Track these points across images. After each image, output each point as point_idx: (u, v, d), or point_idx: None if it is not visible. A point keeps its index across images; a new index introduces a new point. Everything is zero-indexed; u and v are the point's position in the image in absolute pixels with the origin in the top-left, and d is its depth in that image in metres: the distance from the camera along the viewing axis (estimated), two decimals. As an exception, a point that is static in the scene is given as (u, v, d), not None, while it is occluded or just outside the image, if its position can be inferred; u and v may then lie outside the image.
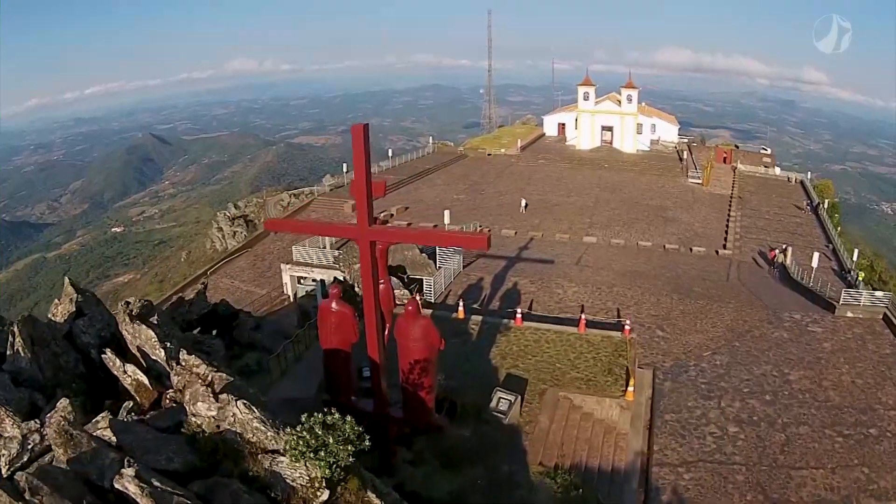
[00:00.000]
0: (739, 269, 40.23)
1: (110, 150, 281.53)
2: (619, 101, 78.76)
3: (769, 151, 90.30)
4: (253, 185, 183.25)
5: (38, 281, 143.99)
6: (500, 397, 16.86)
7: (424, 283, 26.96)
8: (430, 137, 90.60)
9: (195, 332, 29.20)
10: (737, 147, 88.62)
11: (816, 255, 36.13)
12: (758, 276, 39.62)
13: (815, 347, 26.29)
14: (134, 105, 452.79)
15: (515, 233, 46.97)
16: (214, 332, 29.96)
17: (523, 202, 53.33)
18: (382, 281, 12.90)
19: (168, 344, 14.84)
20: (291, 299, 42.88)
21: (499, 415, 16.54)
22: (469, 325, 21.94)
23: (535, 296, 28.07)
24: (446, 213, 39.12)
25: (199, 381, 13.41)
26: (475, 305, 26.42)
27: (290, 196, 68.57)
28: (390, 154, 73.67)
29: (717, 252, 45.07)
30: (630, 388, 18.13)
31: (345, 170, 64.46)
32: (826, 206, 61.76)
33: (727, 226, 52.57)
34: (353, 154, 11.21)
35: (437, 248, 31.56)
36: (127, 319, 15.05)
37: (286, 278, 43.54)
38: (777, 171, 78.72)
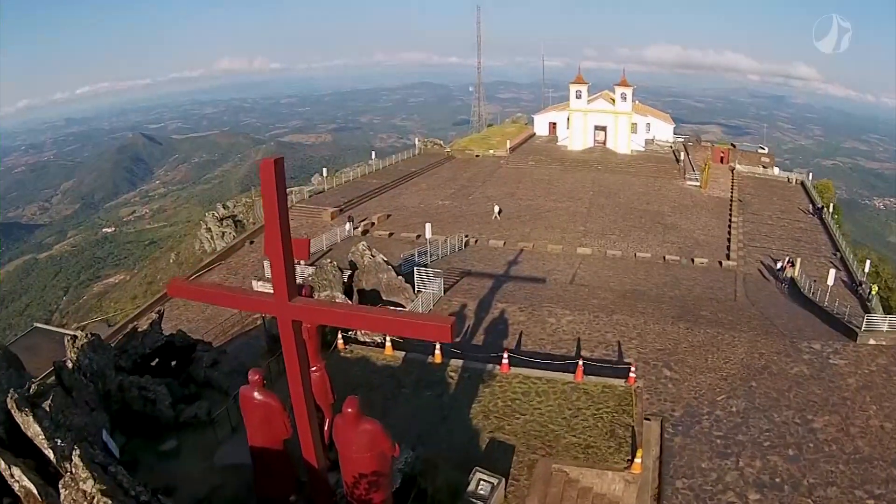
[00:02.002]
0: (746, 284, 37.28)
1: (101, 150, 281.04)
2: (613, 100, 75.60)
3: (766, 150, 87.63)
4: (243, 183, 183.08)
5: (29, 283, 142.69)
6: (481, 479, 13.74)
7: (399, 315, 23.81)
8: (417, 139, 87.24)
9: (153, 363, 26.49)
10: (733, 146, 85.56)
11: (833, 272, 33.17)
12: (766, 293, 36.74)
13: (838, 385, 23.33)
14: (124, 105, 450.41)
15: (504, 243, 43.90)
16: (174, 363, 27.20)
17: (496, 208, 50.20)
18: (315, 368, 9.86)
19: (59, 440, 11.74)
20: (266, 317, 39.76)
21: (478, 502, 13.43)
22: (447, 371, 18.81)
23: (525, 326, 24.90)
24: (428, 225, 35.90)
25: (85, 501, 10.35)
26: (456, 340, 23.28)
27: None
28: (374, 157, 70.27)
29: (720, 263, 42.14)
30: (637, 460, 15.06)
31: (324, 174, 61.14)
32: (831, 210, 58.89)
33: (729, 233, 49.67)
34: (263, 200, 8.10)
35: (416, 270, 28.41)
36: (14, 407, 11.87)
37: (257, 295, 40.29)
38: (776, 171, 75.87)
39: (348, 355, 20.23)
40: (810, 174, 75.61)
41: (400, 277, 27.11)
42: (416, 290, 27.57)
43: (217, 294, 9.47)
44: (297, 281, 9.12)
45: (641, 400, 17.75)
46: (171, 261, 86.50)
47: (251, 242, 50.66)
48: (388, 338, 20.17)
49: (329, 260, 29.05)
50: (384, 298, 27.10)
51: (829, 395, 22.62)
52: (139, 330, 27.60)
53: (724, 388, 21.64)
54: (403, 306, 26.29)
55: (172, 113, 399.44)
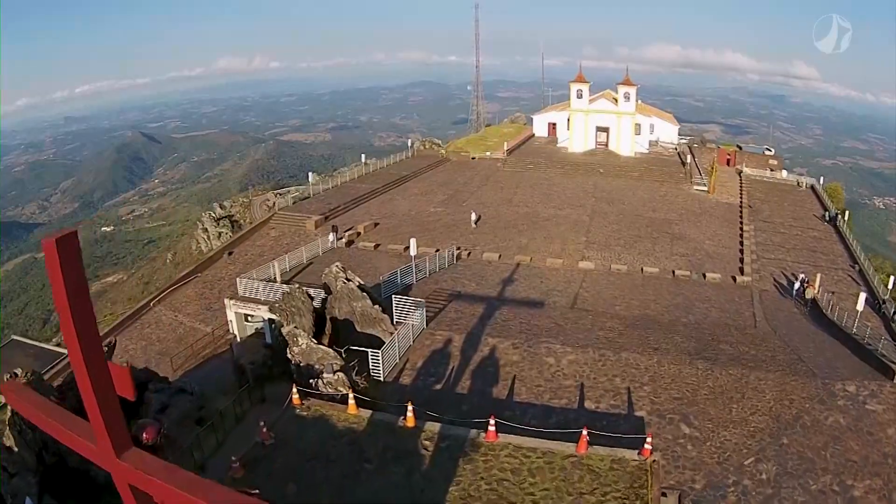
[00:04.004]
0: (764, 305, 33.86)
1: (100, 148, 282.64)
2: (616, 100, 72.10)
3: (773, 152, 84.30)
4: (242, 182, 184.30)
5: (28, 282, 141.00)
6: None
7: (370, 357, 20.30)
8: (410, 140, 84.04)
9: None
10: (739, 148, 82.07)
11: (863, 297, 29.79)
12: (786, 315, 33.35)
13: (878, 437, 20.02)
14: (123, 104, 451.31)
15: (500, 256, 40.52)
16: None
17: (473, 216, 46.76)
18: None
19: None
20: (237, 339, 36.63)
21: None
22: (421, 439, 15.43)
23: (519, 369, 21.46)
24: (413, 241, 32.46)
25: None
26: (436, 386, 19.96)
27: (276, 195, 64.64)
28: (363, 159, 66.90)
29: (734, 279, 38.73)
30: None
31: (310, 180, 57.74)
32: (846, 217, 55.45)
33: (741, 243, 46.27)
34: (53, 295, 4.82)
35: (394, 298, 25.01)
36: None
37: (231, 315, 37.04)
38: (784, 173, 72.34)
39: (304, 413, 16.91)
40: (821, 178, 72.15)
41: (376, 307, 23.69)
42: (395, 320, 24.22)
43: (45, 421, 6.20)
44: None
45: (659, 479, 14.40)
46: (168, 261, 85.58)
47: (230, 254, 47.42)
48: (351, 392, 16.82)
49: (297, 284, 25.75)
50: (358, 330, 23.74)
51: (868, 452, 19.35)
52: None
53: (753, 447, 18.30)
54: (381, 340, 22.98)
55: (172, 112, 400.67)
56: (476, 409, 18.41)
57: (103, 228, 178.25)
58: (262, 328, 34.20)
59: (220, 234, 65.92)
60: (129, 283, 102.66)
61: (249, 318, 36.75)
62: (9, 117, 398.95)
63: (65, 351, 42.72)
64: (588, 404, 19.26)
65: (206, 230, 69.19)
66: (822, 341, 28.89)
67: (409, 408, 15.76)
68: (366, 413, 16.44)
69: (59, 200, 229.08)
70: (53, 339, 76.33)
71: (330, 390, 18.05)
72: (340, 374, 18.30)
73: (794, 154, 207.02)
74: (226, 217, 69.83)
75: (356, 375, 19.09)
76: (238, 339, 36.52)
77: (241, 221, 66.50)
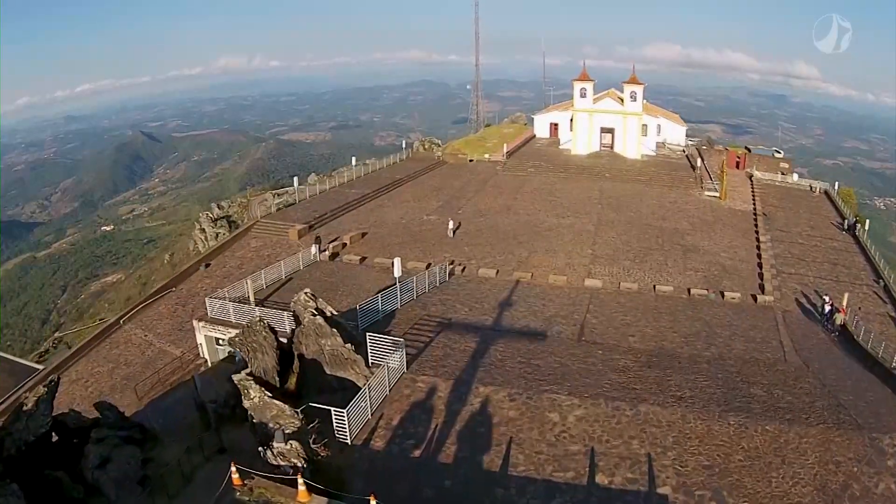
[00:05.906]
0: (790, 330, 30.27)
1: (101, 147, 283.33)
2: (621, 99, 68.55)
3: (782, 154, 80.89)
4: (242, 182, 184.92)
5: (27, 281, 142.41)
6: None
7: (334, 416, 16.70)
8: (404, 141, 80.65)
9: (53, 439, 21.64)
10: (748, 150, 78.47)
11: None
12: (815, 342, 29.82)
13: (938, 506, 16.65)
14: (124, 103, 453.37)
15: (497, 272, 37.08)
16: (76, 440, 21.42)
17: (451, 224, 43.55)
18: None
19: None
20: (208, 363, 33.42)
21: None
22: (387, 542, 12.06)
23: (517, 428, 17.76)
24: (397, 261, 28.89)
25: None
26: (414, 453, 16.40)
27: (275, 195, 62.23)
28: (353, 162, 63.43)
29: (754, 298, 35.24)
30: None
31: (296, 184, 54.40)
32: (867, 226, 51.93)
33: (759, 256, 42.76)
34: None
35: (368, 336, 21.41)
36: None
37: (200, 338, 33.76)
38: (795, 177, 68.81)
39: (245, 498, 13.47)
40: (836, 183, 68.57)
41: (349, 345, 20.14)
42: (371, 361, 20.69)
43: None
44: None
45: None
46: (166, 261, 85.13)
47: (206, 266, 43.99)
48: (300, 477, 13.27)
49: (258, 317, 22.30)
50: (328, 373, 20.24)
51: (930, 529, 15.97)
52: (24, 409, 21.07)
53: (801, 533, 14.89)
54: (356, 386, 19.49)
55: (172, 111, 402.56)
56: (461, 484, 14.99)
57: (103, 228, 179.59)
58: (232, 352, 30.95)
59: (217, 234, 64.60)
60: (128, 283, 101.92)
61: (221, 342, 33.45)
62: (9, 116, 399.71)
63: (40, 367, 39.64)
64: (600, 478, 15.75)
65: (203, 230, 68.14)
66: (858, 378, 25.39)
67: (373, 502, 12.33)
68: (320, 501, 13.00)
69: (60, 199, 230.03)
70: (50, 339, 74.22)
71: (281, 461, 14.62)
72: (294, 443, 14.80)
73: (795, 154, 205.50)
74: (224, 217, 68.15)
75: (314, 444, 15.61)
76: (209, 364, 33.29)
77: (239, 222, 64.33)
